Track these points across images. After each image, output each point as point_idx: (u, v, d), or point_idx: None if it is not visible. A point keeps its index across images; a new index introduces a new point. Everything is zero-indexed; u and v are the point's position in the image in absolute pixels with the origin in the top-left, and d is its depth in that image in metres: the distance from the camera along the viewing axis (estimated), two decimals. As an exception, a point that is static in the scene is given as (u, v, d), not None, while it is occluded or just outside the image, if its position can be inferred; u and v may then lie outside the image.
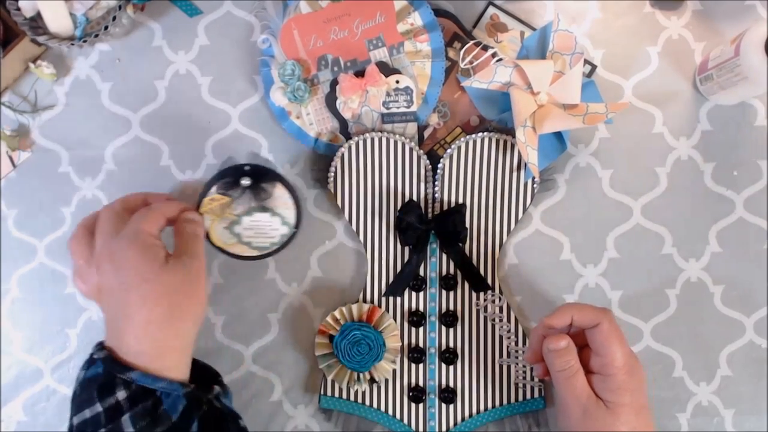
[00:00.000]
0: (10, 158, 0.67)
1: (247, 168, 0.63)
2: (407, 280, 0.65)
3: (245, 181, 0.62)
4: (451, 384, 0.65)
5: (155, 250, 0.54)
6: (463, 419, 0.64)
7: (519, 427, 0.64)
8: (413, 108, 0.65)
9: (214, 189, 0.62)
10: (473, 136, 0.65)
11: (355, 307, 0.64)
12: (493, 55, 0.66)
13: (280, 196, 0.63)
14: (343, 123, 0.66)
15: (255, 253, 0.64)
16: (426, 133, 0.67)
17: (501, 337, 0.65)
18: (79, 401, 0.52)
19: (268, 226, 0.63)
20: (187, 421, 0.52)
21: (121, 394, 0.51)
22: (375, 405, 0.65)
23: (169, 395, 0.52)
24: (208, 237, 0.62)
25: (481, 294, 0.65)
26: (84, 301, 0.67)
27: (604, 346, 0.54)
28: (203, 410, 0.53)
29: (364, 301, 0.65)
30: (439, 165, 0.65)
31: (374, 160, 0.65)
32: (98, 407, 0.51)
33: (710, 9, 0.67)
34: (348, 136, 0.66)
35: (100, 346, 0.54)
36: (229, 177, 0.63)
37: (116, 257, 0.53)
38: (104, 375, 0.52)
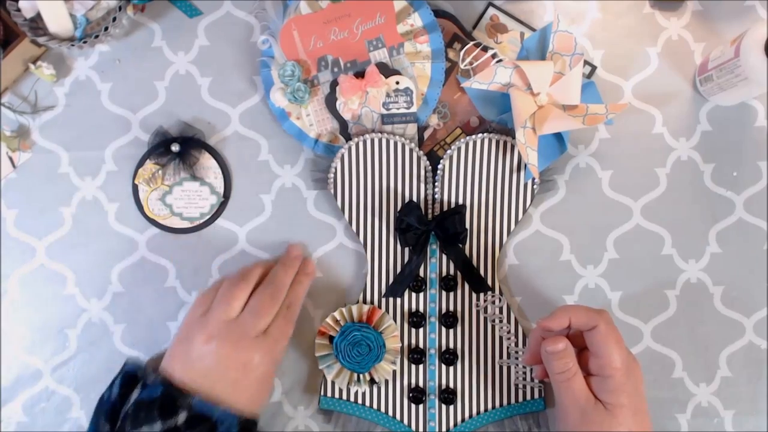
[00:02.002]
0: (10, 159, 0.67)
1: (177, 139, 0.66)
2: (407, 281, 0.64)
3: (175, 147, 0.64)
4: (451, 385, 0.65)
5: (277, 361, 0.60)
6: (463, 420, 0.64)
7: (519, 428, 0.64)
8: (413, 109, 0.65)
9: (148, 161, 0.66)
10: (473, 137, 0.65)
11: (355, 308, 0.64)
12: (493, 56, 0.66)
13: (209, 166, 0.66)
14: (343, 124, 0.66)
15: (186, 224, 0.66)
16: (426, 134, 0.67)
17: (501, 338, 0.65)
18: (135, 419, 0.55)
19: (197, 196, 0.65)
20: None
21: (181, 417, 0.55)
22: (375, 406, 0.65)
23: (223, 422, 0.55)
24: (143, 210, 0.66)
25: (481, 295, 0.65)
26: (84, 301, 0.67)
27: (602, 348, 0.54)
28: None
29: (364, 301, 0.65)
30: (439, 166, 0.65)
31: (374, 161, 0.65)
32: (157, 425, 0.54)
33: (710, 10, 0.67)
34: (348, 137, 0.66)
35: (139, 367, 0.59)
36: (161, 147, 0.65)
37: (244, 356, 0.57)
38: (163, 397, 0.55)
